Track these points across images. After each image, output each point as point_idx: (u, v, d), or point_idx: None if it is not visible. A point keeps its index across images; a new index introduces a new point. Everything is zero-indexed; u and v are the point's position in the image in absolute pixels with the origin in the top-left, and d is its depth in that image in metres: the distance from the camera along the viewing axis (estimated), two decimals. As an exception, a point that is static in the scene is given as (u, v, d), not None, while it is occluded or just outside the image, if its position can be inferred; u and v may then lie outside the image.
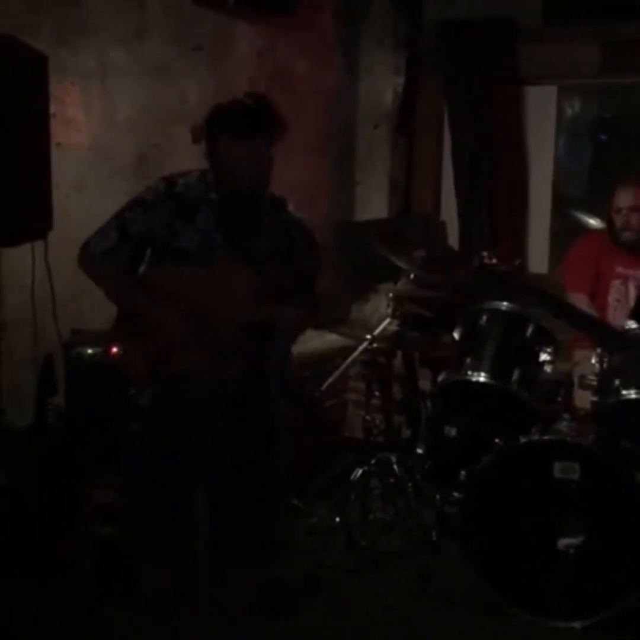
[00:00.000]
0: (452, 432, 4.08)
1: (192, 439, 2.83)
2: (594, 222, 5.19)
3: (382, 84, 5.89)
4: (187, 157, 4.66)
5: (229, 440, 2.84)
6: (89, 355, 3.79)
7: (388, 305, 4.32)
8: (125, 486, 3.14)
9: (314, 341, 5.18)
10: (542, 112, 5.69)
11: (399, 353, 4.80)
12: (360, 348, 4.27)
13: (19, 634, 3.35)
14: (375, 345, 4.24)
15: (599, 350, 3.85)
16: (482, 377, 4.00)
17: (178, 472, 2.84)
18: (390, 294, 4.31)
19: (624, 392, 3.76)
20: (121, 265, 2.86)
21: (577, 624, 3.54)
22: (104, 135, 4.38)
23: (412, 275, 4.24)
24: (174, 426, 2.83)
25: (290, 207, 2.93)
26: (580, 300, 4.47)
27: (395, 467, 4.22)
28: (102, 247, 2.84)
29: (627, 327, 3.87)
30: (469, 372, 4.04)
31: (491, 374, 3.99)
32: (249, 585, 2.98)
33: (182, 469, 2.84)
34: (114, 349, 3.31)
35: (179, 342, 2.78)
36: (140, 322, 2.84)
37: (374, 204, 5.93)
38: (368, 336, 4.23)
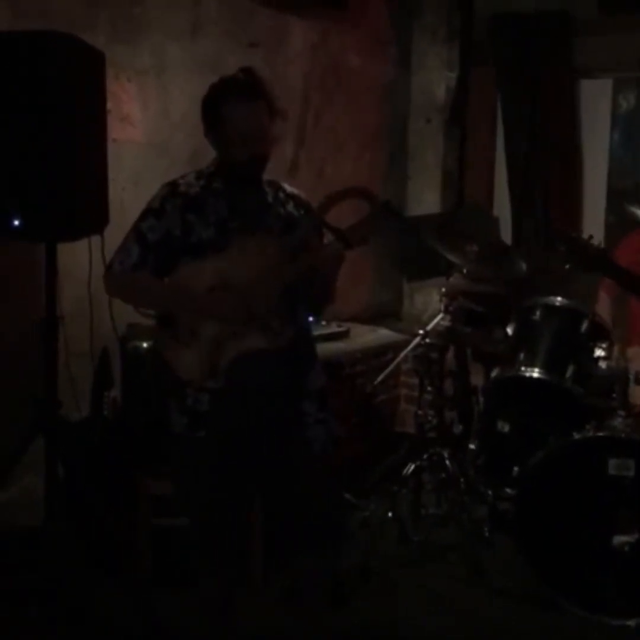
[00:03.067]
0: (505, 427, 4.06)
1: (255, 431, 2.83)
2: (649, 215, 5.13)
3: (434, 78, 5.87)
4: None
5: (288, 427, 2.87)
6: (145, 349, 3.84)
7: (440, 300, 4.31)
8: (185, 493, 3.02)
9: (367, 336, 5.19)
10: (597, 105, 5.65)
11: (452, 348, 4.78)
12: (413, 343, 4.27)
13: (78, 621, 3.41)
14: (427, 340, 4.23)
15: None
16: (535, 373, 3.99)
17: (241, 473, 2.85)
18: (443, 289, 4.30)
19: (680, 388, 3.74)
20: (151, 274, 2.86)
21: (631, 622, 3.52)
22: (159, 131, 4.42)
23: (464, 270, 4.22)
24: (236, 423, 2.84)
25: (285, 185, 3.02)
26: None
27: (447, 462, 4.21)
28: (128, 263, 2.84)
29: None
30: (523, 368, 4.03)
31: (545, 369, 3.98)
32: (313, 574, 3.02)
33: (244, 469, 2.85)
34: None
35: (232, 328, 2.80)
36: (178, 324, 2.84)
37: (426, 198, 5.91)
38: (420, 331, 4.23)
